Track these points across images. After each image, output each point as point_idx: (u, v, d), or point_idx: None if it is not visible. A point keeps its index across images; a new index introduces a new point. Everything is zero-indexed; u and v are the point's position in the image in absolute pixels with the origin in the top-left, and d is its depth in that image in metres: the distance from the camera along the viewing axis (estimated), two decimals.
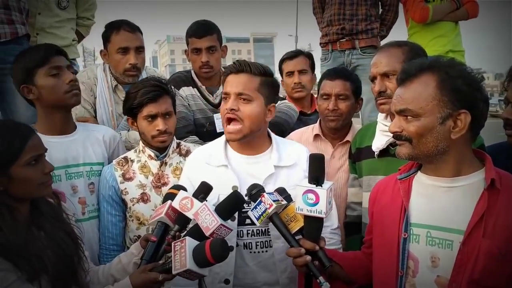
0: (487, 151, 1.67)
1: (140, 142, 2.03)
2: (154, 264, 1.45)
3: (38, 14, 2.78)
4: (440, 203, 1.31)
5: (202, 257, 1.31)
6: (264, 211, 1.43)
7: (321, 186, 1.35)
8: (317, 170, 1.38)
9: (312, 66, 2.90)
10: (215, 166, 1.72)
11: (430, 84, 1.27)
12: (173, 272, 1.33)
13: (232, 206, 1.51)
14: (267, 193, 1.46)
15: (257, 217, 1.45)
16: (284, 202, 1.46)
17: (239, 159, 1.73)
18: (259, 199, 1.46)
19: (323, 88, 2.25)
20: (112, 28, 2.36)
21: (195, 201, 1.48)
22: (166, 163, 1.99)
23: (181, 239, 1.38)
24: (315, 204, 1.34)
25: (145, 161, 1.99)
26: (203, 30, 2.54)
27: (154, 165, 1.98)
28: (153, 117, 1.89)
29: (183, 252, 1.32)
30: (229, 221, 1.62)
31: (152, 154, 1.97)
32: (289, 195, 1.51)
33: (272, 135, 1.82)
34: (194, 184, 1.64)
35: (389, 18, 3.40)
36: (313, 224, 1.40)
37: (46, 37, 2.81)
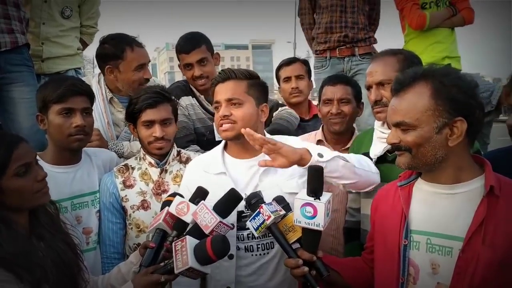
0: (489, 156, 1.67)
1: (141, 149, 2.03)
2: (155, 266, 1.45)
3: (42, 24, 2.81)
4: (440, 210, 1.31)
5: (204, 254, 1.31)
6: (262, 222, 1.44)
7: (319, 200, 1.36)
8: (315, 183, 1.38)
9: (309, 73, 2.94)
10: (213, 174, 1.73)
11: (424, 94, 1.27)
12: (176, 272, 1.33)
13: (229, 203, 1.51)
14: (265, 204, 1.46)
15: (255, 228, 1.45)
16: (283, 212, 1.46)
17: (237, 164, 1.74)
18: (258, 210, 1.46)
19: (325, 93, 2.29)
20: (122, 45, 2.30)
21: (191, 205, 1.49)
22: (166, 171, 1.99)
23: (181, 238, 1.38)
24: (313, 217, 1.35)
25: (146, 168, 1.99)
26: (190, 44, 2.53)
27: (154, 172, 1.98)
28: (151, 123, 1.90)
29: (184, 251, 1.32)
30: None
31: (153, 161, 1.98)
32: (288, 204, 1.51)
33: (267, 134, 1.82)
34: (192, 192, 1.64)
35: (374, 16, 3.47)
36: (311, 236, 1.40)
37: (52, 46, 2.85)
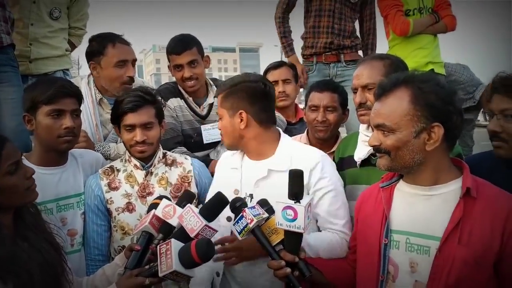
0: (471, 159, 1.72)
1: (126, 152, 2.03)
2: (140, 269, 1.45)
3: (30, 24, 2.79)
4: (419, 211, 1.36)
5: (188, 257, 1.32)
6: (246, 226, 1.46)
7: (299, 203, 1.39)
8: (296, 187, 1.41)
9: (295, 77, 2.96)
10: (229, 168, 1.83)
11: (404, 99, 1.32)
12: (160, 275, 1.33)
13: (215, 207, 1.53)
14: (248, 208, 1.49)
15: (239, 231, 1.48)
16: (266, 215, 1.49)
17: (249, 163, 1.80)
18: (241, 213, 1.48)
19: (312, 100, 2.32)
20: (105, 41, 2.32)
21: (178, 208, 1.50)
22: (151, 173, 1.99)
23: (166, 241, 1.39)
24: (294, 220, 1.38)
25: (131, 170, 1.99)
26: (181, 46, 2.55)
27: (139, 175, 1.98)
28: (132, 127, 1.90)
29: (168, 254, 1.33)
30: (225, 221, 1.67)
31: (138, 164, 1.97)
32: (271, 207, 1.53)
33: (283, 139, 1.81)
34: (216, 182, 1.88)
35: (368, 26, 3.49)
36: (293, 238, 1.43)
37: (40, 47, 2.83)
